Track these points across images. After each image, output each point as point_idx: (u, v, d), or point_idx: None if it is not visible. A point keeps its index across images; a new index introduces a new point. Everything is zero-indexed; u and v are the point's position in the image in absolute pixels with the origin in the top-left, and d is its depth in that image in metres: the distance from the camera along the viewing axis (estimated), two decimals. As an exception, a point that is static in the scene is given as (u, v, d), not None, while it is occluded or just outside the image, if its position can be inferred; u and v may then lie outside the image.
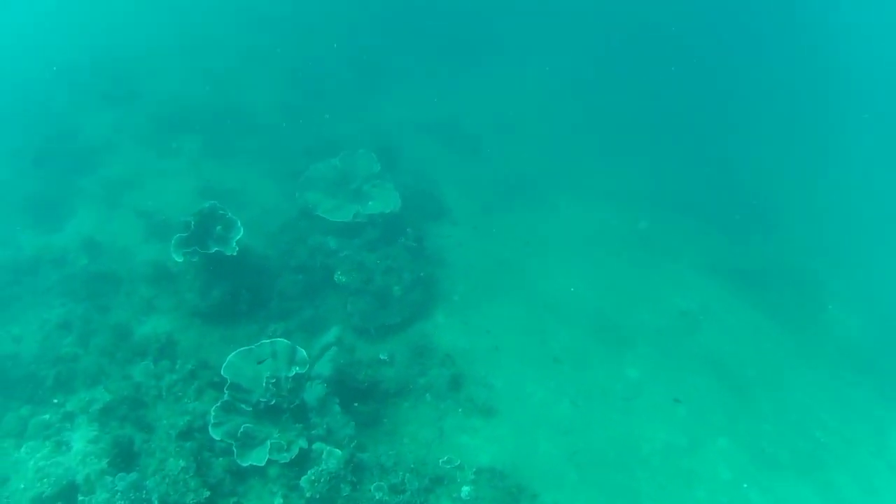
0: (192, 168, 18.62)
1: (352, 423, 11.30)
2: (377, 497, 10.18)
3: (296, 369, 11.27)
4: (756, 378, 15.53)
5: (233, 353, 11.32)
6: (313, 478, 10.10)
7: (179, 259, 12.87)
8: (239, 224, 13.49)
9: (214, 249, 13.01)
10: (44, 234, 15.67)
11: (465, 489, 10.94)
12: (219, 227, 13.38)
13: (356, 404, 11.86)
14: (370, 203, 16.45)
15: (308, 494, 10.02)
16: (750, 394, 14.96)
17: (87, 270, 14.15)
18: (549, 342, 14.80)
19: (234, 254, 13.08)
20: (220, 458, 10.36)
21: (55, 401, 11.27)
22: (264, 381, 11.06)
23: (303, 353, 11.50)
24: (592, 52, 28.55)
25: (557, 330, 15.21)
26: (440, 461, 11.32)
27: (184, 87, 22.30)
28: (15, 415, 10.92)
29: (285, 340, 11.55)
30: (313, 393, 11.32)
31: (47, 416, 10.84)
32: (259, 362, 11.17)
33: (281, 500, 10.12)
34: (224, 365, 11.16)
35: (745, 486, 12.50)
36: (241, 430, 10.38)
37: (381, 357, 13.17)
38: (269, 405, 10.98)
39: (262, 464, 10.20)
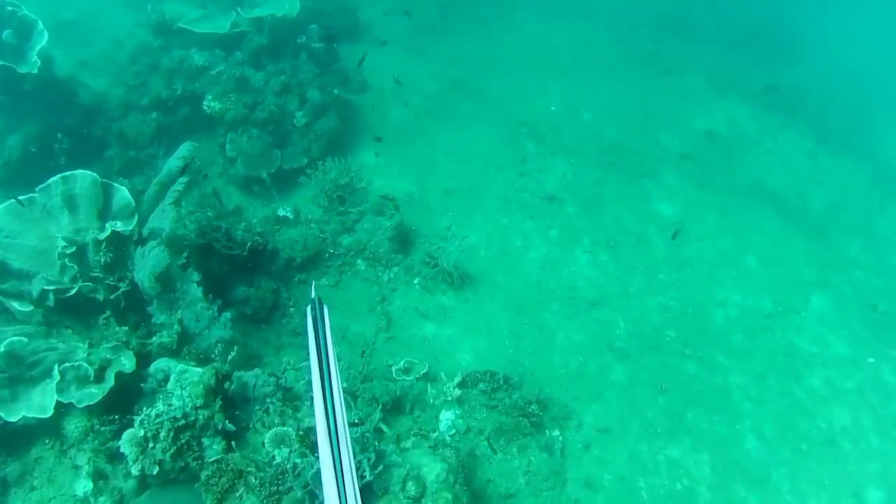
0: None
1: (226, 318, 6.12)
2: (274, 457, 4.95)
3: (115, 225, 6.03)
4: (827, 212, 11.05)
5: (-8, 208, 5.99)
6: (146, 431, 4.91)
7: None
8: (41, 26, 8.43)
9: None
10: None
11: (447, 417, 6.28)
12: (6, 33, 8.00)
13: (237, 286, 6.77)
14: (257, 10, 10.90)
15: (136, 470, 4.84)
16: (827, 233, 10.45)
17: None
18: (535, 175, 10.09)
19: (35, 71, 8.18)
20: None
21: None
22: (57, 251, 5.86)
23: (125, 193, 6.21)
24: None
25: (546, 159, 10.48)
26: (393, 368, 6.51)
27: None
28: None
29: (89, 173, 6.17)
30: (148, 265, 6.00)
31: None
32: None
33: (90, 485, 5.04)
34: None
35: (872, 360, 8.03)
36: (5, 347, 5.21)
37: (281, 213, 8.14)
38: (65, 297, 5.78)
39: (47, 414, 5.05)
